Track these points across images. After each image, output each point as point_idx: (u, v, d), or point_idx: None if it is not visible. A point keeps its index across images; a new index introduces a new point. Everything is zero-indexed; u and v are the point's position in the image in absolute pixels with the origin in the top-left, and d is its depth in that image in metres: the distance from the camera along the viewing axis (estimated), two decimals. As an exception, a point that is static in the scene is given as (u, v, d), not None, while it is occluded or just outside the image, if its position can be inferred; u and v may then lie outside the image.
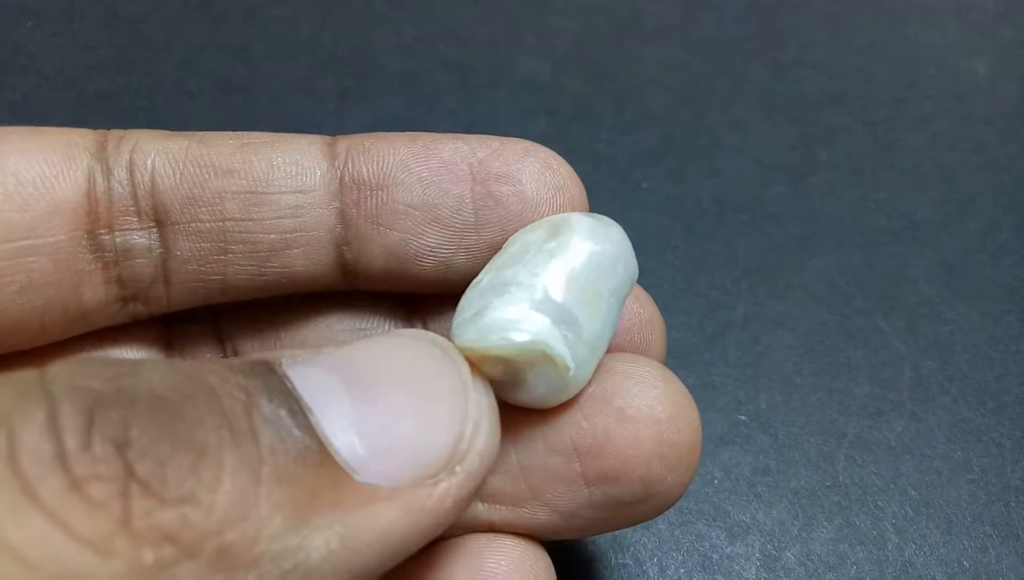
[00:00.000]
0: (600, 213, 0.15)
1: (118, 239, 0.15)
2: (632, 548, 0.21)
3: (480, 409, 0.12)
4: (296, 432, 0.10)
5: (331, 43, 0.31)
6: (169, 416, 0.10)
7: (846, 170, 0.28)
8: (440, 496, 0.11)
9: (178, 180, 0.15)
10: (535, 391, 0.13)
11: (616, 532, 0.21)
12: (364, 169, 0.15)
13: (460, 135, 0.15)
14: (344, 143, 0.15)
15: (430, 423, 0.12)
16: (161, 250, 0.15)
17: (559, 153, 0.16)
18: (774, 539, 0.21)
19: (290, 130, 0.16)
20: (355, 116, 0.29)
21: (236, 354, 0.16)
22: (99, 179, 0.14)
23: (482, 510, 0.15)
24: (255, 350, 0.16)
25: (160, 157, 0.15)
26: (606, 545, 0.21)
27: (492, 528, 0.15)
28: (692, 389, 0.15)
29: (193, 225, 0.15)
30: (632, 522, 0.15)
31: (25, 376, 0.10)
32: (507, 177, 0.15)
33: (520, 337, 0.13)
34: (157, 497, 0.09)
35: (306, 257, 0.15)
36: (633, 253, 0.15)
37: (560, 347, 0.13)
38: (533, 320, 0.13)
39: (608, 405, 0.14)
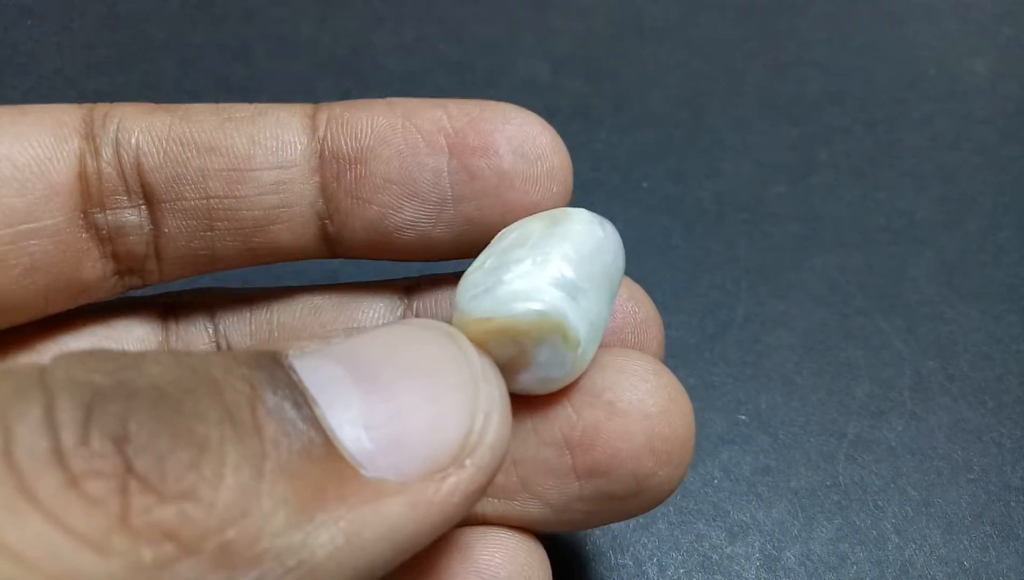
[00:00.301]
0: (600, 213, 0.15)
1: (110, 218, 0.15)
2: (632, 548, 0.21)
3: (491, 400, 0.12)
4: (301, 425, 0.10)
5: (331, 43, 0.31)
6: (170, 410, 0.10)
7: (846, 170, 0.28)
8: (449, 491, 0.11)
9: (161, 159, 0.15)
10: (538, 372, 0.13)
11: (615, 532, 0.21)
12: (343, 142, 0.15)
13: (440, 101, 0.15)
14: (324, 113, 0.15)
15: (440, 415, 0.11)
16: (151, 227, 0.15)
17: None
18: (774, 539, 0.21)
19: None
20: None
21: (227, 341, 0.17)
22: (89, 160, 0.14)
23: None
24: (244, 327, 0.16)
25: (144, 135, 0.15)
26: (605, 545, 0.21)
27: (485, 521, 0.15)
28: (692, 389, 0.15)
29: (179, 203, 0.15)
30: (627, 516, 0.15)
31: (23, 370, 0.10)
32: (483, 149, 0.15)
33: (538, 305, 0.13)
34: (156, 493, 0.09)
35: (290, 232, 0.15)
36: (623, 250, 0.15)
37: (575, 320, 0.13)
38: (548, 292, 0.13)
39: (598, 398, 0.14)
